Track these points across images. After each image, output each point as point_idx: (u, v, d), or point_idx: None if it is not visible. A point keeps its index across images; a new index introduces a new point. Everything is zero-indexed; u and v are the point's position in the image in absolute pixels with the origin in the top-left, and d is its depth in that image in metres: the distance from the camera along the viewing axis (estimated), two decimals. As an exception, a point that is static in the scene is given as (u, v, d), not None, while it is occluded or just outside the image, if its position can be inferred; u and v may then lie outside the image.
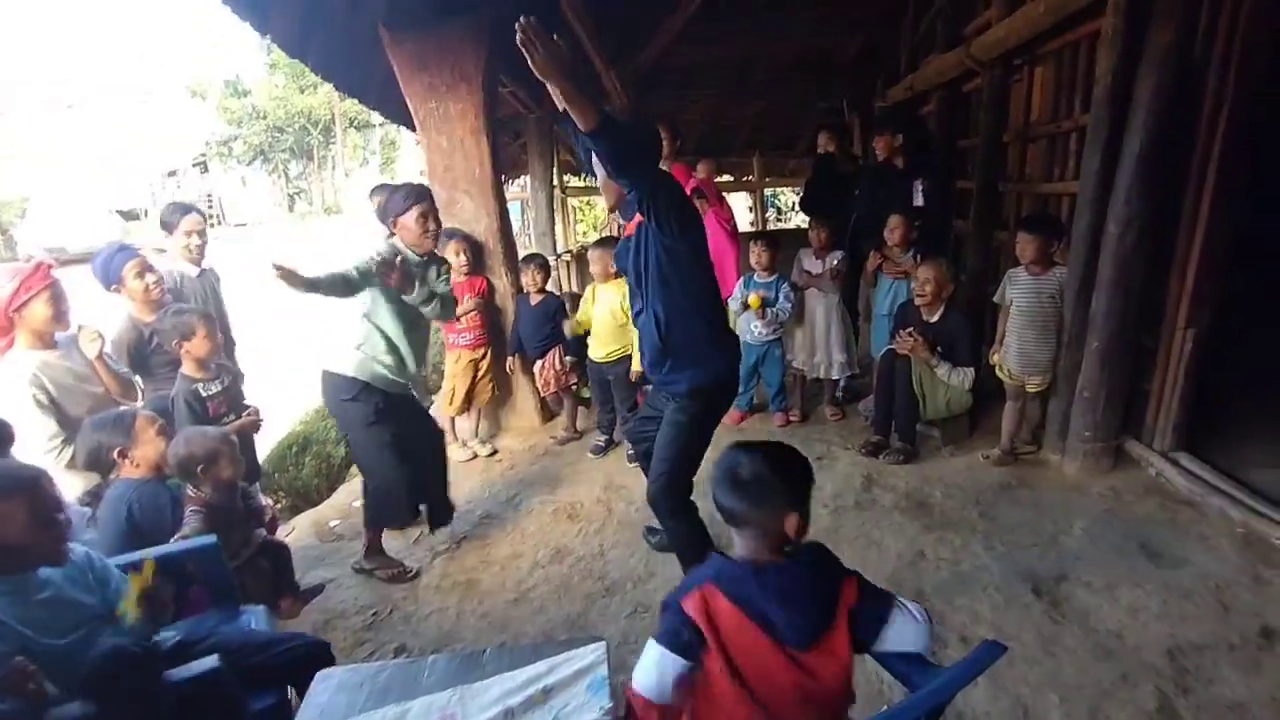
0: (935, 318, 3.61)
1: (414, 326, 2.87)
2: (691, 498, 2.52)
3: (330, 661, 1.95)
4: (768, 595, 1.27)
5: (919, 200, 4.06)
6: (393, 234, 2.81)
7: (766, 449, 1.38)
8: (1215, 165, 2.89)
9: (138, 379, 2.89)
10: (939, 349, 3.56)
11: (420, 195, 2.77)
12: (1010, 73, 4.38)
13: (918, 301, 3.63)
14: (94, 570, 1.74)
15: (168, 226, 3.37)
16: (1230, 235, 3.02)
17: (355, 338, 2.75)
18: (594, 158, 2.24)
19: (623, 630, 2.52)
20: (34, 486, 1.55)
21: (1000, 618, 2.42)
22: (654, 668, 1.29)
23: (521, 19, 1.78)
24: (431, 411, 4.36)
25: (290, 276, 2.33)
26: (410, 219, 2.73)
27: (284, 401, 5.14)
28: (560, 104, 1.93)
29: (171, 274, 3.35)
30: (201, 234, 3.38)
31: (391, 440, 2.84)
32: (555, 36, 1.84)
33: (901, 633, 1.31)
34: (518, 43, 1.80)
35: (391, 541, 3.15)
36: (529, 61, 1.83)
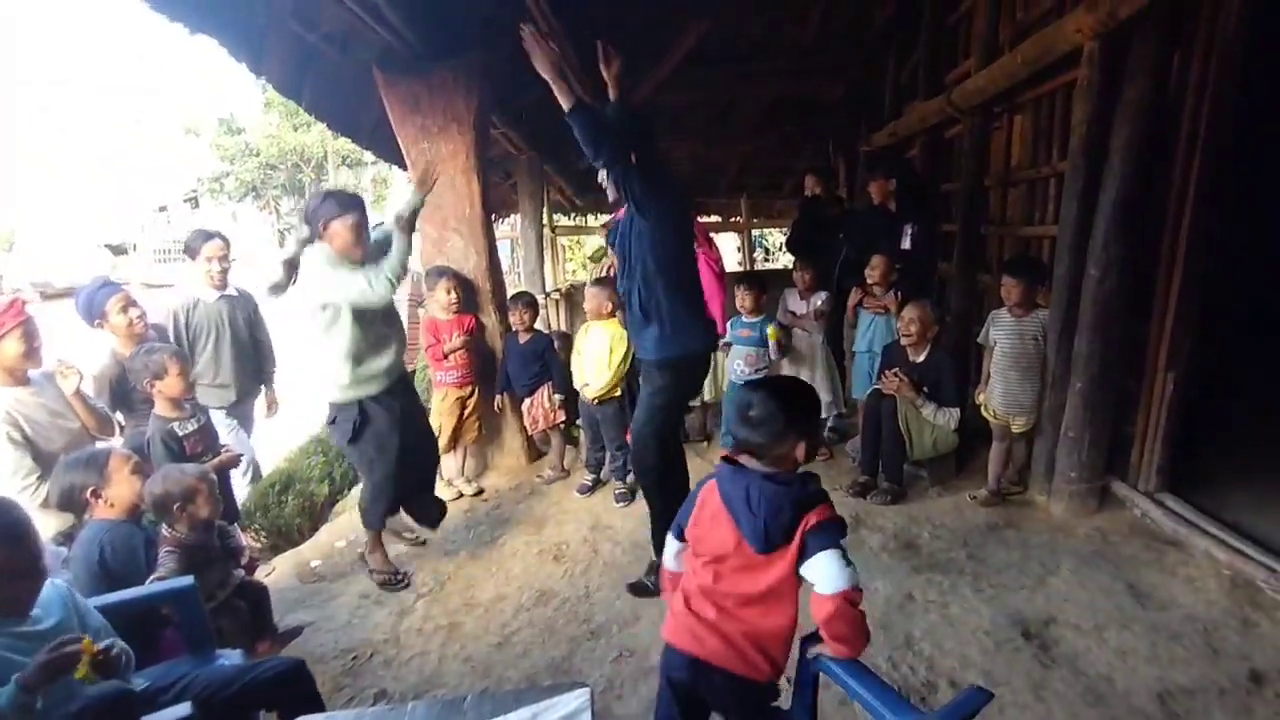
0: (921, 358, 3.64)
1: (371, 321, 2.86)
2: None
3: (308, 680, 1.92)
4: (735, 502, 1.50)
5: (906, 244, 4.13)
6: (320, 239, 2.78)
7: (773, 386, 1.62)
8: (1190, 212, 2.96)
9: (118, 415, 2.86)
10: (925, 389, 3.58)
11: (356, 204, 2.79)
12: (990, 120, 4.50)
13: (903, 341, 3.67)
14: (76, 606, 1.71)
15: (191, 251, 3.46)
16: (1206, 280, 3.08)
17: (321, 363, 2.82)
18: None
19: (608, 675, 2.47)
20: (9, 539, 1.49)
21: (990, 662, 2.39)
22: (668, 544, 1.72)
23: (526, 29, 2.32)
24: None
25: None
26: (344, 226, 2.73)
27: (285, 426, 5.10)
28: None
29: (186, 299, 3.40)
30: (224, 259, 3.48)
31: (375, 447, 2.94)
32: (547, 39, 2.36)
33: (819, 567, 1.43)
34: (523, 44, 2.34)
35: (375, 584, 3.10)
36: (534, 61, 2.35)
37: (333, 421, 2.91)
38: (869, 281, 4.04)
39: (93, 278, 3.12)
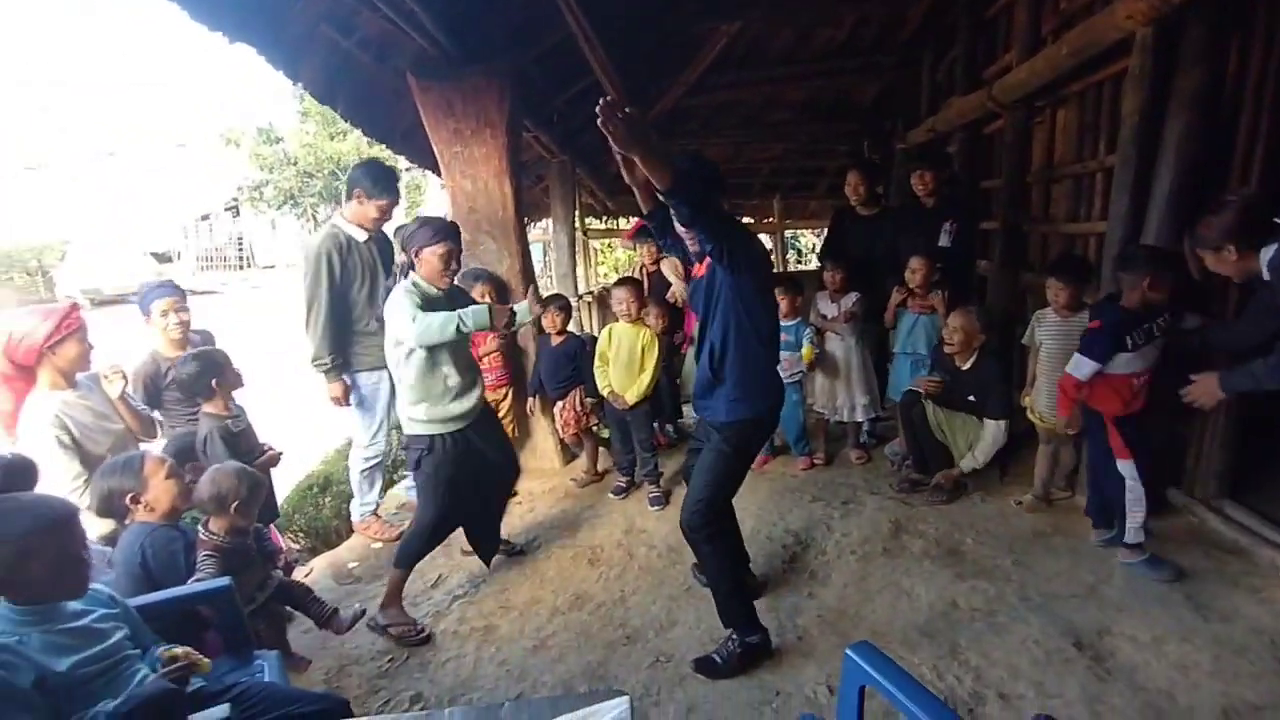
0: (967, 365, 3.55)
1: (446, 362, 2.81)
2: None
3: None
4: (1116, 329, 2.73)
5: (945, 241, 4.02)
6: (413, 265, 2.79)
7: (1130, 248, 2.94)
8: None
9: (157, 414, 2.91)
10: (971, 397, 3.49)
11: (449, 233, 2.76)
12: (1032, 114, 4.38)
13: (947, 350, 3.58)
14: (124, 608, 1.76)
15: (363, 192, 3.35)
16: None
17: (414, 393, 2.75)
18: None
19: (644, 681, 2.44)
20: (67, 522, 1.58)
21: (1041, 673, 2.30)
22: (1082, 367, 2.80)
23: (600, 101, 1.88)
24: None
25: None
26: (434, 254, 2.72)
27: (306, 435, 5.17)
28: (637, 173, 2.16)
29: (339, 237, 3.35)
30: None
31: (440, 478, 2.83)
32: (628, 108, 1.93)
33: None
34: (599, 124, 1.90)
35: (410, 584, 3.10)
36: (610, 140, 1.94)
37: (428, 450, 2.81)
38: (911, 285, 3.93)
39: (152, 280, 3.16)
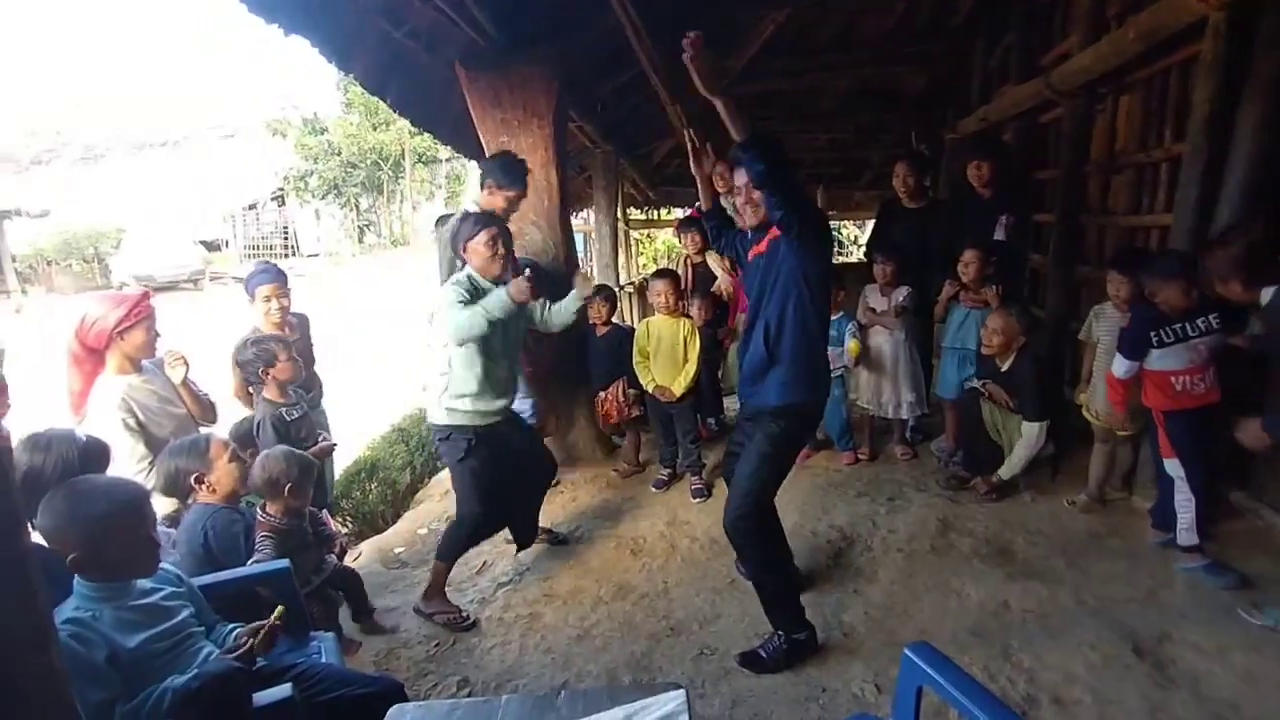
0: (1006, 366, 3.47)
1: (498, 359, 2.86)
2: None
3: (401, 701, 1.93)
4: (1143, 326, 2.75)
5: (1000, 235, 3.91)
6: (464, 262, 2.86)
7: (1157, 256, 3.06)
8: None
9: (252, 389, 3.01)
10: (1013, 400, 3.43)
11: (489, 221, 2.83)
12: (1093, 102, 4.23)
13: (985, 351, 3.51)
14: (189, 587, 1.81)
15: (491, 183, 3.43)
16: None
17: (439, 387, 2.81)
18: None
19: (689, 673, 2.44)
20: (140, 503, 1.65)
21: (1098, 678, 2.24)
22: (1118, 365, 2.86)
23: (689, 34, 1.87)
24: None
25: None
26: (479, 243, 2.77)
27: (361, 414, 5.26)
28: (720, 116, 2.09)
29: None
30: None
31: (482, 473, 2.86)
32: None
33: None
34: (684, 60, 1.90)
35: (456, 570, 3.14)
36: (694, 78, 1.93)
37: (446, 438, 2.85)
38: (964, 279, 3.82)
39: (260, 263, 3.36)
